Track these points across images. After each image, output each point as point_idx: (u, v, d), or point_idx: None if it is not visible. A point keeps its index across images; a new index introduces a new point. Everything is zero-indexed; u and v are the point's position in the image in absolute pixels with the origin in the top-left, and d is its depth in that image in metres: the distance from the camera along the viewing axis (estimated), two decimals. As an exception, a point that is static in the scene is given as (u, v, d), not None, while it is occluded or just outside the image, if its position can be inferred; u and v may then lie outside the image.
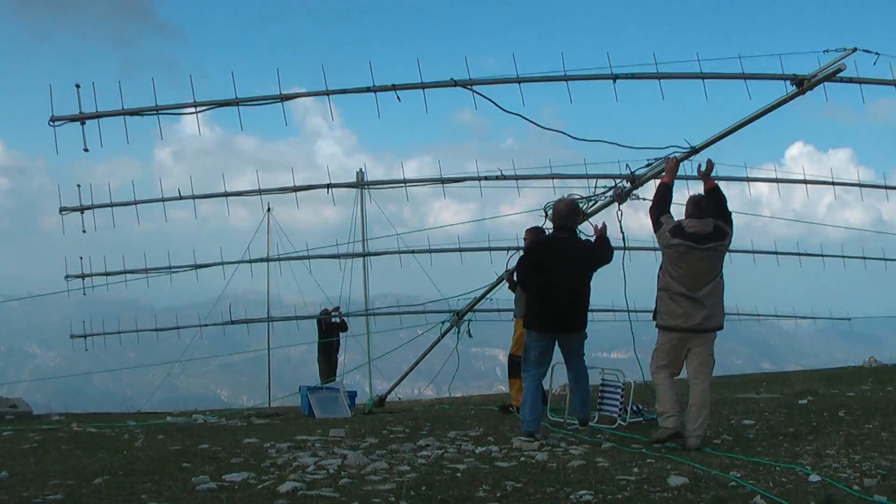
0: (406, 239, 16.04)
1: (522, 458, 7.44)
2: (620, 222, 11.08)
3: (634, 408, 10.67)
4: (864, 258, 16.05)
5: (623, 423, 9.98)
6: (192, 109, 9.58)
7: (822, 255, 15.90)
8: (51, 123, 9.26)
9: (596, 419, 10.08)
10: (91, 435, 9.92)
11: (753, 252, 15.41)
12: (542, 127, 10.03)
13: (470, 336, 14.82)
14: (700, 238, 8.35)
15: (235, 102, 9.48)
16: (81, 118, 9.20)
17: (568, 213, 9.24)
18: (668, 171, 9.28)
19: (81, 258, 14.18)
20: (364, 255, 17.00)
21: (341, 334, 20.73)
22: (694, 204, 8.60)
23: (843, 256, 16.07)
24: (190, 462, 7.29)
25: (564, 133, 10.06)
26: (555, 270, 8.94)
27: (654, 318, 8.78)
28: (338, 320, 20.39)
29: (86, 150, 9.23)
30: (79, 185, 12.22)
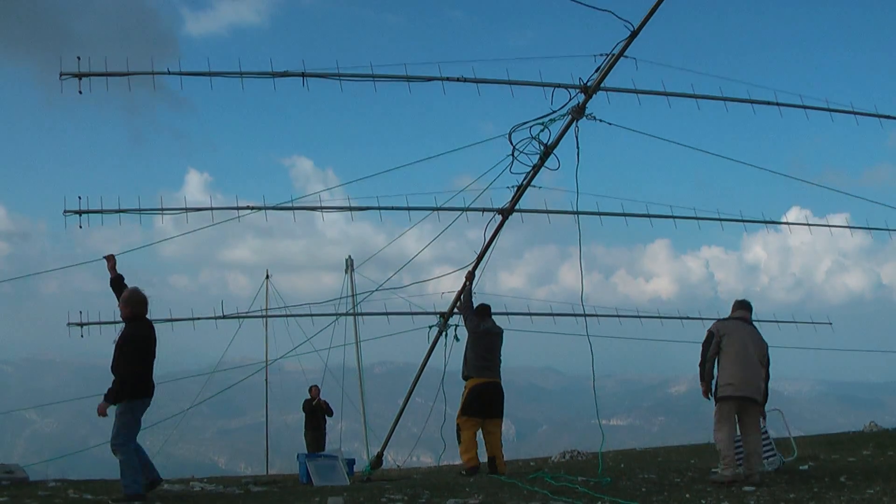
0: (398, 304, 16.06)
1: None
2: (577, 139, 11.62)
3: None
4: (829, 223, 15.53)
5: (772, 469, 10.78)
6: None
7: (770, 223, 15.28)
8: (60, 78, 10.07)
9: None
10: (87, 502, 9.85)
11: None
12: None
13: (457, 339, 14.78)
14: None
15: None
16: (82, 75, 10.12)
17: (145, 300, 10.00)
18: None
19: (81, 312, 14.10)
20: (354, 314, 17.40)
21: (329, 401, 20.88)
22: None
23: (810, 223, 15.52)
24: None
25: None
26: (151, 351, 9.86)
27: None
28: (315, 402, 20.54)
29: (80, 92, 10.10)
30: (80, 197, 12.22)
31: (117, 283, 10.21)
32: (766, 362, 10.76)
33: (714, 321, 11.13)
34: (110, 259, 10.37)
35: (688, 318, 15.03)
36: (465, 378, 13.22)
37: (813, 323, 16.43)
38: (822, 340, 16.66)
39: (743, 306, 11.13)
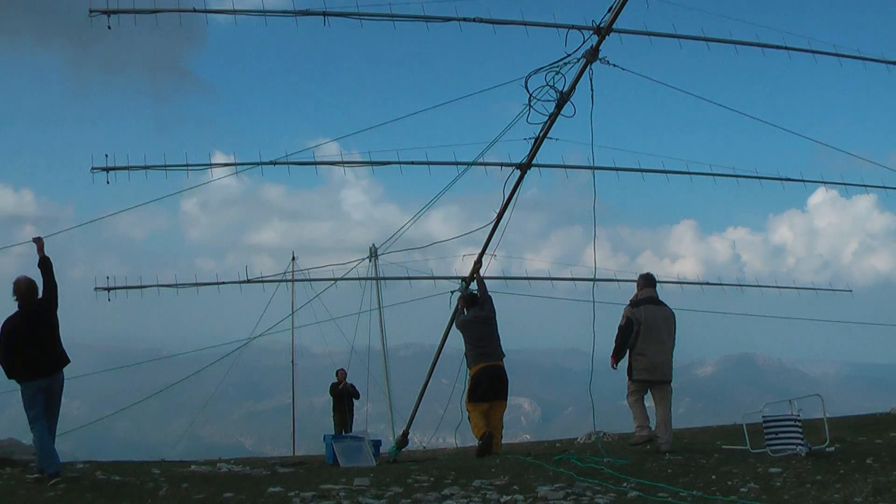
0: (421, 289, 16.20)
1: (547, 507, 7.39)
2: (591, 82, 11.85)
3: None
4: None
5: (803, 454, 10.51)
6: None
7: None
8: (90, 15, 10.27)
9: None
10: (115, 483, 9.92)
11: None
12: None
13: None
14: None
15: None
16: (111, 11, 10.35)
17: (30, 290, 10.28)
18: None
19: (108, 277, 14.15)
20: (377, 278, 17.57)
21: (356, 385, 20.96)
22: None
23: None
24: (214, 511, 7.27)
25: None
26: (31, 337, 10.09)
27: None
28: (341, 386, 20.59)
29: (108, 27, 10.38)
30: (106, 155, 12.30)
31: (45, 264, 10.43)
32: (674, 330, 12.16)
33: (627, 305, 12.18)
34: (38, 241, 10.57)
35: (707, 283, 15.28)
36: (470, 368, 13.76)
37: (832, 290, 16.50)
38: (848, 316, 16.62)
39: (649, 283, 12.36)
